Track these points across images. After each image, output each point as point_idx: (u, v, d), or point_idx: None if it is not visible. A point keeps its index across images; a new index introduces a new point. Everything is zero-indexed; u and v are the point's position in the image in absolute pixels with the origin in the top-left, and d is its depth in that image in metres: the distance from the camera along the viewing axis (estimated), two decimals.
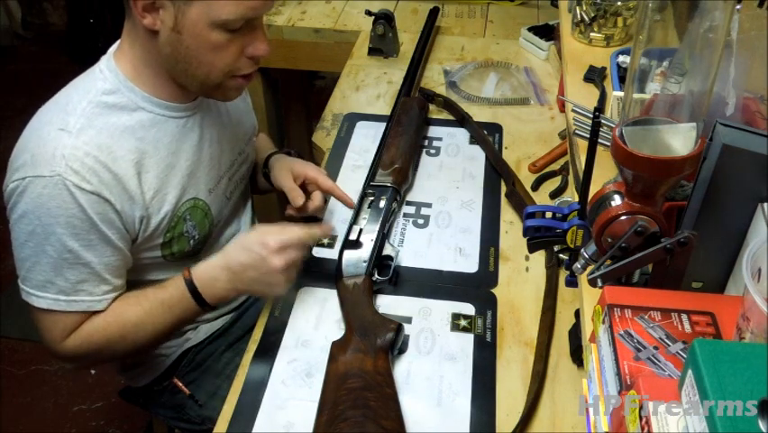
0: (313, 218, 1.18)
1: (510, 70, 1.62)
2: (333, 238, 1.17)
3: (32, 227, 0.91)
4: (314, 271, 1.08)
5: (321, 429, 0.86)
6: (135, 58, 0.97)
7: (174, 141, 1.02)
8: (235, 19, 0.90)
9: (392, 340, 0.95)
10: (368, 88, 1.58)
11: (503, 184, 1.28)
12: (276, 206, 2.06)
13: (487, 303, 1.06)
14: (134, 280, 1.05)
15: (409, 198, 1.27)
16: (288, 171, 1.17)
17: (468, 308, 1.05)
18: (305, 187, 1.16)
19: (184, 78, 0.96)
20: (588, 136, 0.88)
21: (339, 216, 1.21)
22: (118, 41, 1.00)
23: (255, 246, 0.96)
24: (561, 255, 1.09)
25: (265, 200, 2.02)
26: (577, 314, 0.99)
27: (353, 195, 1.22)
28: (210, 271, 0.99)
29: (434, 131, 1.44)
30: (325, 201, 1.18)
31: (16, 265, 0.96)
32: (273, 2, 0.97)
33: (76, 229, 0.91)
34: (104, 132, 0.94)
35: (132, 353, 1.07)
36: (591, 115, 0.92)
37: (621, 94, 0.99)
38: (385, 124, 1.36)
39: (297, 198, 1.13)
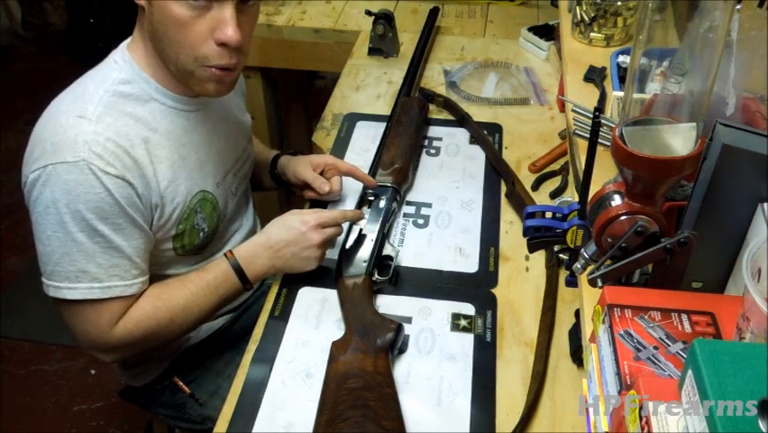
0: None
1: (510, 70, 1.62)
2: None
3: (59, 216, 0.91)
4: (314, 271, 1.08)
5: (321, 429, 0.86)
6: (146, 48, 0.98)
7: (184, 133, 1.03)
8: None
9: (392, 340, 0.95)
10: (368, 88, 1.58)
11: (503, 184, 1.28)
12: (276, 206, 2.07)
13: (487, 303, 1.06)
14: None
15: (409, 198, 1.27)
16: (306, 164, 1.23)
17: (468, 308, 1.05)
18: (323, 174, 1.22)
19: (164, 60, 0.96)
20: (588, 136, 0.88)
21: None
22: (132, 36, 1.01)
23: (295, 223, 1.04)
24: (561, 255, 1.09)
25: (266, 200, 2.02)
26: (577, 314, 0.99)
27: (353, 195, 1.22)
28: (252, 250, 1.05)
29: (434, 131, 1.44)
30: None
31: (40, 261, 0.95)
32: None
33: (105, 213, 0.92)
34: (120, 120, 0.95)
35: (174, 337, 1.08)
36: (591, 115, 0.92)
37: (621, 94, 0.99)
38: (385, 124, 1.36)
39: (322, 185, 1.19)
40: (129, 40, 1.01)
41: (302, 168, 1.22)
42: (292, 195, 1.31)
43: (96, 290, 0.95)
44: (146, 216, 0.98)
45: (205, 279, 1.03)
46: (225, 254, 1.05)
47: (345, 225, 1.11)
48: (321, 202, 1.24)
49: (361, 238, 1.10)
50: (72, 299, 0.95)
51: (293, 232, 1.03)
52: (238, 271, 1.03)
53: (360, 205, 1.18)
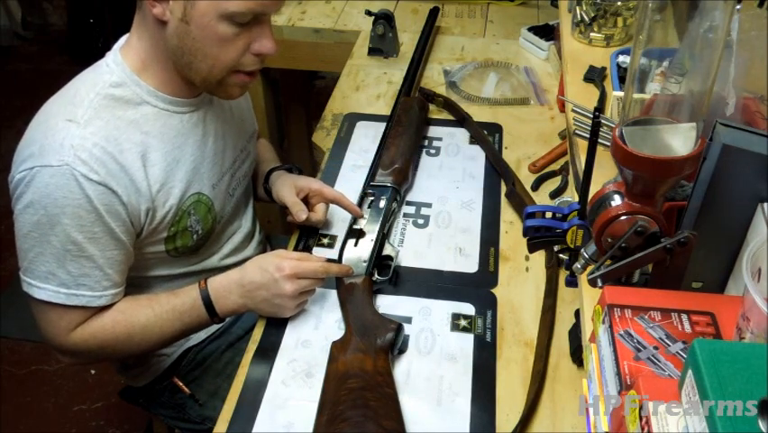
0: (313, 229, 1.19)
1: (510, 70, 1.62)
2: (333, 238, 1.18)
3: (37, 217, 0.91)
4: None
5: (321, 429, 0.86)
6: (143, 51, 0.97)
7: (178, 135, 1.02)
8: (243, 12, 0.91)
9: (392, 340, 0.95)
10: (368, 88, 1.58)
11: (503, 184, 1.28)
12: (275, 208, 2.06)
13: (487, 303, 1.06)
14: (138, 276, 1.06)
15: (409, 198, 1.27)
16: (290, 186, 1.17)
17: (468, 308, 1.05)
18: (307, 200, 1.17)
19: (188, 72, 0.97)
20: (588, 136, 0.88)
21: (339, 216, 1.21)
22: (124, 37, 1.01)
23: (270, 268, 0.98)
24: (561, 255, 1.09)
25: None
26: (577, 314, 0.99)
27: (353, 195, 1.22)
28: (225, 284, 1.01)
29: (434, 131, 1.44)
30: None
31: (19, 256, 0.96)
32: (283, 0, 0.98)
33: (81, 220, 0.91)
34: (111, 123, 0.94)
35: (133, 355, 1.08)
36: (591, 115, 0.92)
37: (621, 94, 0.99)
38: (385, 124, 1.36)
39: (299, 212, 1.13)
40: (122, 42, 1.01)
41: (285, 190, 1.17)
42: None
43: (62, 295, 0.95)
44: (129, 226, 0.96)
45: (173, 303, 1.01)
46: (199, 283, 1.02)
47: (342, 231, 1.09)
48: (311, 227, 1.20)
49: (361, 238, 1.10)
50: (39, 298, 0.95)
51: (266, 276, 0.98)
52: (207, 302, 1.00)
53: (359, 204, 1.17)
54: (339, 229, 1.18)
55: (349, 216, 1.16)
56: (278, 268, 0.98)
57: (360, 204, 1.17)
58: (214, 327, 1.20)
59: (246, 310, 1.04)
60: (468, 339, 1.00)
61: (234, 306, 1.01)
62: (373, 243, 1.09)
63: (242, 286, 1.00)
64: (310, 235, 1.18)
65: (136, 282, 1.06)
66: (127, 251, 0.98)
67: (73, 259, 0.93)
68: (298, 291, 0.99)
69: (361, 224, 1.13)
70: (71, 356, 1.02)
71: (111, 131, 0.94)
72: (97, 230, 0.93)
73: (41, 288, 0.95)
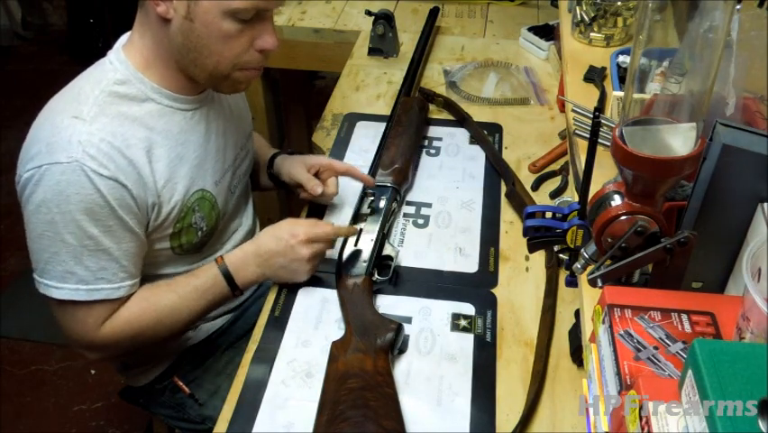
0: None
1: (510, 70, 1.62)
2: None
3: (50, 216, 0.91)
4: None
5: (321, 429, 0.86)
6: (146, 48, 0.98)
7: (182, 132, 1.03)
8: (246, 9, 0.92)
9: (392, 340, 0.95)
10: (368, 88, 1.58)
11: (503, 184, 1.28)
12: (276, 204, 2.07)
13: (487, 303, 1.06)
14: (144, 274, 1.05)
15: (409, 198, 1.27)
16: (301, 165, 1.21)
17: (468, 308, 1.05)
18: (318, 176, 1.21)
19: (193, 69, 0.98)
20: (588, 136, 0.88)
21: (339, 217, 1.21)
22: (126, 35, 1.01)
23: (285, 235, 1.03)
24: (561, 255, 1.09)
25: (265, 199, 2.03)
26: (577, 314, 0.99)
27: (353, 195, 1.22)
28: (242, 257, 1.05)
29: (434, 131, 1.44)
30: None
31: (32, 258, 0.96)
32: None
33: (96, 215, 0.92)
34: (116, 120, 0.95)
35: (163, 339, 1.08)
36: (591, 115, 0.92)
37: (621, 94, 0.99)
38: (385, 124, 1.36)
39: (315, 186, 1.17)
40: (124, 40, 1.01)
41: (296, 168, 1.21)
42: (292, 194, 1.31)
43: (82, 291, 0.95)
44: (140, 218, 0.97)
45: (194, 283, 1.03)
46: (216, 260, 1.05)
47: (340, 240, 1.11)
48: (319, 205, 1.24)
49: (360, 238, 1.10)
50: (59, 298, 0.95)
51: (281, 243, 1.03)
52: (227, 277, 1.03)
53: (359, 204, 1.18)
54: None
55: (349, 217, 1.16)
56: (292, 234, 1.02)
57: (360, 204, 1.18)
58: (215, 327, 1.20)
59: (264, 279, 1.07)
60: (468, 339, 1.00)
61: (253, 276, 1.05)
62: (373, 242, 1.09)
63: (258, 256, 1.04)
64: None
65: (142, 282, 1.06)
66: (141, 242, 1.00)
67: (90, 254, 0.94)
68: (313, 255, 1.04)
69: (362, 224, 1.13)
70: (101, 351, 1.03)
71: (116, 127, 0.94)
72: (112, 223, 0.94)
73: (59, 288, 0.95)
